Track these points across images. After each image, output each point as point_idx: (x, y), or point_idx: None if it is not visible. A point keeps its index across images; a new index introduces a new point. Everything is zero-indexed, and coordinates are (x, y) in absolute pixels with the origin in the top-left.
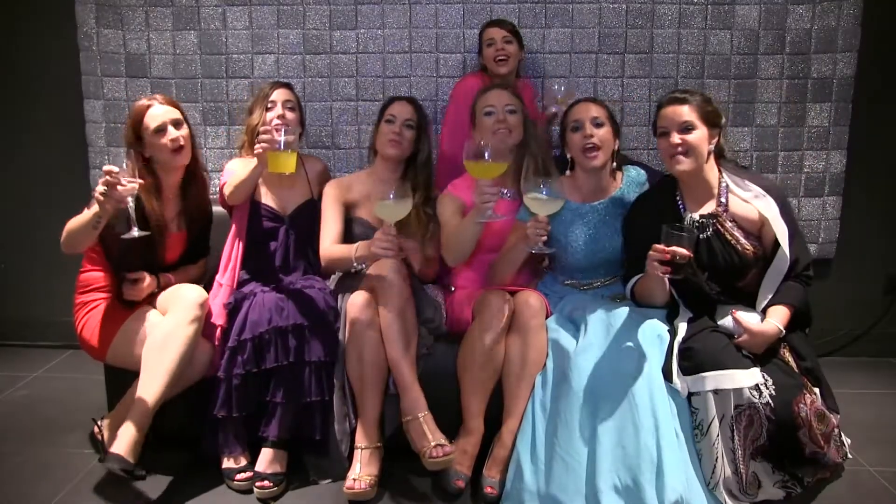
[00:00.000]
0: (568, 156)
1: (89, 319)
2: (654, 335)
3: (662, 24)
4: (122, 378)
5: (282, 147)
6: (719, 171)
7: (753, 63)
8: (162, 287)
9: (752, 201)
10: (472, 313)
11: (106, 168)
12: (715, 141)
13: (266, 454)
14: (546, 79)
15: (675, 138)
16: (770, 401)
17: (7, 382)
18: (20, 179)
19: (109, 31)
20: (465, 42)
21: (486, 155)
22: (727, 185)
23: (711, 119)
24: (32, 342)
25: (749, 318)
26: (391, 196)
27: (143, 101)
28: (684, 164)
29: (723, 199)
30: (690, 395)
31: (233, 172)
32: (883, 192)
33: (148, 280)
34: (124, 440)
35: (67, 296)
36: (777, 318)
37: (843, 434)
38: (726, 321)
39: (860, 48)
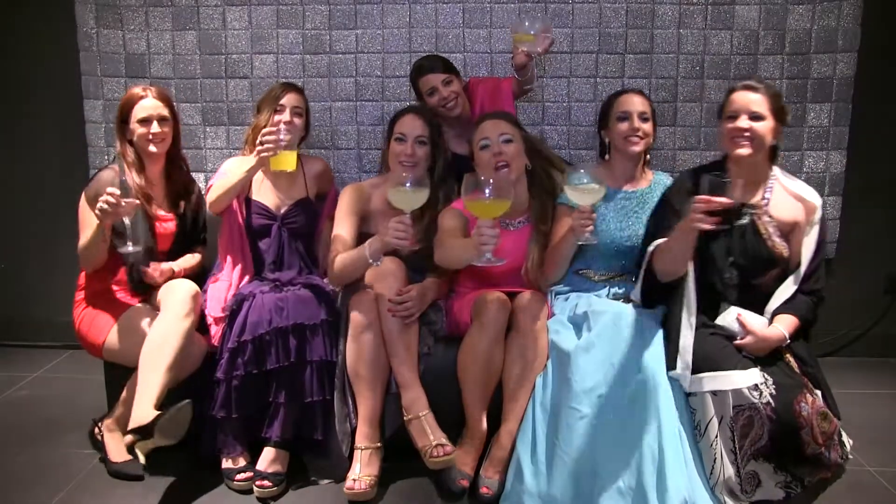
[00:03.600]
0: (606, 140)
1: (87, 315)
2: (655, 334)
3: (662, 24)
4: (121, 378)
5: (283, 145)
6: (770, 167)
7: (753, 63)
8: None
9: (801, 190)
10: (470, 316)
11: (110, 190)
12: (777, 138)
13: (267, 454)
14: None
15: (744, 122)
16: (771, 400)
17: (7, 382)
18: (20, 179)
19: (109, 31)
20: (465, 42)
21: (487, 192)
22: (775, 182)
23: (779, 115)
24: (32, 342)
25: (754, 322)
26: (408, 184)
27: (138, 91)
28: (746, 148)
29: (767, 195)
30: (688, 394)
31: (224, 175)
32: (883, 192)
33: (158, 268)
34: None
35: (67, 296)
36: (783, 325)
37: (844, 434)
38: (728, 322)
39: (860, 48)
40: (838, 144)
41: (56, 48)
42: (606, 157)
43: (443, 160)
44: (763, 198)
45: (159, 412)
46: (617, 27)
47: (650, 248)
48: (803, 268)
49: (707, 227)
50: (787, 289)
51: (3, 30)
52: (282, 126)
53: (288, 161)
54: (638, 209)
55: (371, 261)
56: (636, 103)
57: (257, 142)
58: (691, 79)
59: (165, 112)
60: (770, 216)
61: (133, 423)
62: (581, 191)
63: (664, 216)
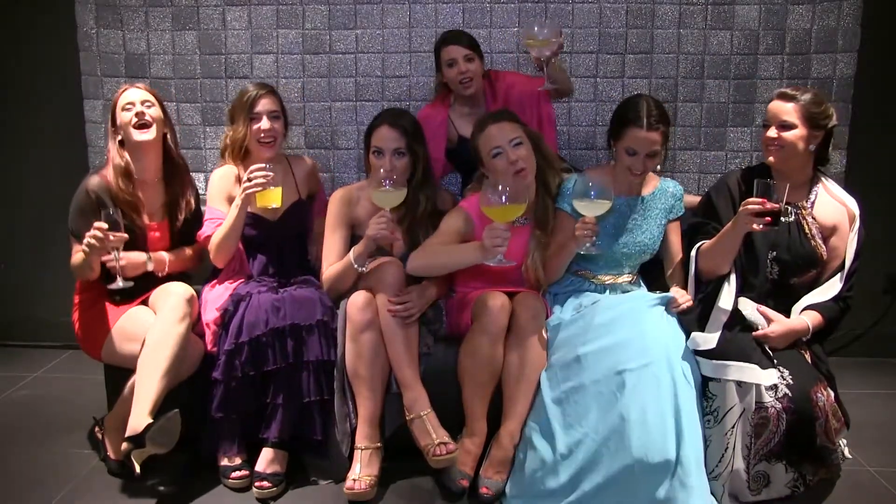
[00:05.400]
0: (613, 148)
1: (85, 319)
2: (664, 316)
3: (662, 24)
4: (121, 378)
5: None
6: (815, 171)
7: (753, 63)
8: (156, 264)
9: (843, 196)
10: (471, 316)
11: (97, 225)
12: (817, 143)
13: (266, 454)
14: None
15: (772, 132)
16: (788, 391)
17: (7, 382)
18: (20, 179)
19: (109, 31)
20: None
21: (504, 197)
22: (820, 187)
23: (815, 121)
24: (33, 342)
25: (774, 314)
26: (387, 185)
27: (124, 86)
28: (772, 155)
29: (811, 197)
30: (708, 379)
31: (215, 221)
32: (883, 192)
33: (119, 257)
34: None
35: (67, 296)
36: (809, 319)
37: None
38: (749, 311)
39: (860, 48)
40: (838, 144)
41: (56, 48)
42: (612, 163)
43: (422, 166)
44: (807, 198)
45: (150, 422)
46: (617, 27)
47: (693, 252)
48: (846, 270)
49: (757, 228)
50: (831, 287)
51: (2, 30)
52: (268, 165)
53: (273, 198)
54: (638, 217)
55: (356, 266)
56: (650, 143)
57: (243, 179)
58: (691, 79)
59: (150, 98)
60: (814, 217)
61: (128, 430)
62: (589, 203)
63: (706, 217)
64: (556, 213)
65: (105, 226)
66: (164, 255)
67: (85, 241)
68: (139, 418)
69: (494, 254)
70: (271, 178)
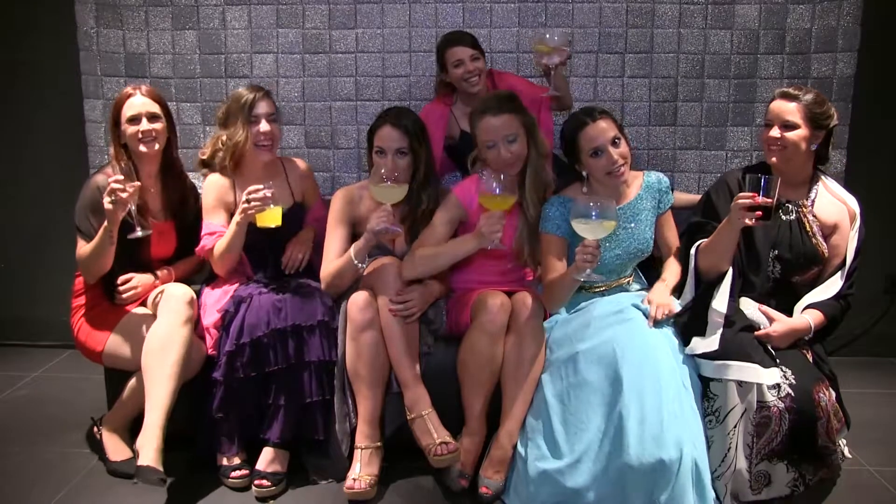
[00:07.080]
0: (583, 172)
1: (85, 322)
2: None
3: (662, 24)
4: (121, 378)
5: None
6: (815, 170)
7: (753, 63)
8: (162, 281)
9: (843, 194)
10: (470, 315)
11: (113, 178)
12: (818, 142)
13: (266, 454)
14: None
15: (776, 132)
16: (790, 391)
17: (7, 382)
18: (20, 179)
19: (109, 31)
20: None
21: (498, 190)
22: (820, 185)
23: (817, 121)
24: (32, 342)
25: (775, 314)
26: (388, 182)
27: (128, 90)
28: (774, 156)
29: (812, 196)
30: (709, 379)
31: (214, 234)
32: (883, 191)
33: (138, 280)
34: (150, 451)
35: (68, 296)
36: (811, 318)
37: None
38: (750, 312)
39: (860, 48)
40: (838, 144)
41: (56, 48)
42: (584, 189)
43: (424, 166)
44: (808, 198)
45: (160, 471)
46: (617, 27)
47: (692, 250)
48: (847, 268)
49: (749, 223)
50: (832, 285)
51: (2, 29)
52: (268, 183)
53: (273, 217)
54: (627, 224)
55: (356, 262)
56: (604, 131)
57: (243, 198)
58: (691, 78)
59: (155, 109)
60: (814, 215)
61: (142, 458)
62: (591, 225)
63: (706, 216)
64: (540, 237)
65: (122, 177)
66: (171, 271)
67: (106, 200)
68: (152, 453)
69: (492, 239)
70: (270, 198)
